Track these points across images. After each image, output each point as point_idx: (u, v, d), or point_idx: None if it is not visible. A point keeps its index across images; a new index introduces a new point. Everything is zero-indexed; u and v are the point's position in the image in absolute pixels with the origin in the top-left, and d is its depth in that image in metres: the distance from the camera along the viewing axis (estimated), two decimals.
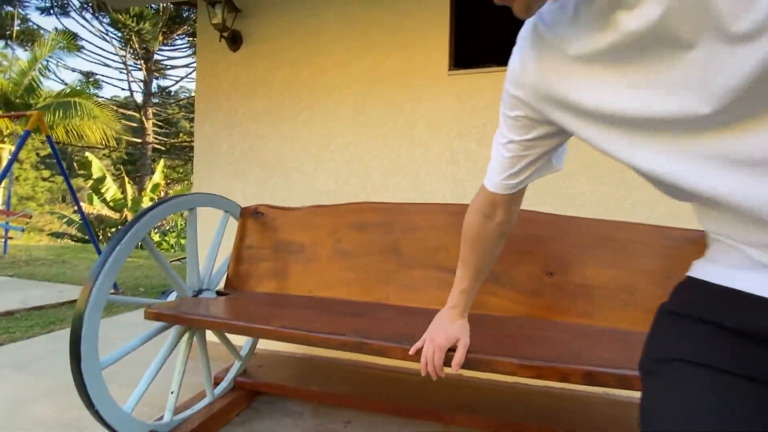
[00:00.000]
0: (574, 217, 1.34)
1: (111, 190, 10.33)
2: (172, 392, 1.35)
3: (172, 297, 1.44)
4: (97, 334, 1.08)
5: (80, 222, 9.24)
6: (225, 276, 1.63)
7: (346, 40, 2.02)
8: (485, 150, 1.82)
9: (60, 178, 14.62)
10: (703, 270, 0.49)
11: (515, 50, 0.57)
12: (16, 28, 10.76)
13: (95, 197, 10.43)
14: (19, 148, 3.22)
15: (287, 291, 1.55)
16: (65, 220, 10.95)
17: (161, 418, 1.33)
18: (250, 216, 1.68)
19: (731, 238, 0.45)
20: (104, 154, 16.35)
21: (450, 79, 1.91)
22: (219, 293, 1.56)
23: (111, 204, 10.42)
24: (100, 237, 10.06)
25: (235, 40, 2.17)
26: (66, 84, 11.90)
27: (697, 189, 0.41)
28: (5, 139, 8.26)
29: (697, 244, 1.18)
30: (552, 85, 0.51)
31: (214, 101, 2.24)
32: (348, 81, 2.01)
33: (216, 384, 1.61)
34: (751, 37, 0.32)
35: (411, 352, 0.90)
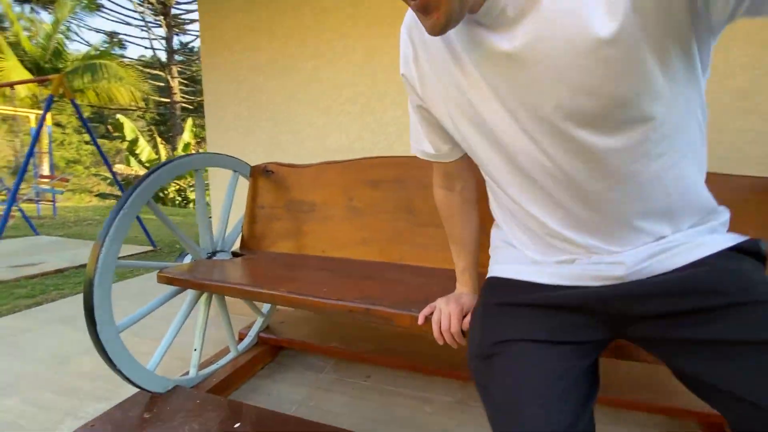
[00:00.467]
0: None
1: (145, 150, 10.66)
2: (195, 349, 1.39)
3: (188, 259, 1.44)
4: (110, 298, 1.09)
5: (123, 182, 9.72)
6: (240, 236, 1.62)
7: None
8: None
9: (101, 141, 15.24)
10: (498, 270, 0.73)
11: (402, 36, 0.65)
12: None
13: (131, 158, 10.85)
14: (46, 112, 3.29)
15: (301, 251, 1.52)
16: (108, 181, 11.53)
17: (187, 373, 1.39)
18: (261, 175, 1.62)
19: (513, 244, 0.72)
20: (138, 116, 16.73)
21: None
22: (234, 254, 1.55)
23: (147, 164, 10.82)
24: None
25: None
26: (90, 45, 11.96)
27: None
28: (40, 105, 8.56)
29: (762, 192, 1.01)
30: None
31: (218, 55, 2.12)
32: (356, 20, 1.81)
33: (240, 340, 1.66)
34: None
35: (420, 321, 0.84)
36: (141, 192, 1.16)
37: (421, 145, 0.76)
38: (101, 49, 10.65)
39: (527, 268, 0.67)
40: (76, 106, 3.53)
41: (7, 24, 8.68)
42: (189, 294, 1.36)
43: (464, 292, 0.87)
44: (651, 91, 0.46)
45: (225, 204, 1.54)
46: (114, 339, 1.11)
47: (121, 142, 10.74)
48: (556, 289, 0.63)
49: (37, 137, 3.37)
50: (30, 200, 4.36)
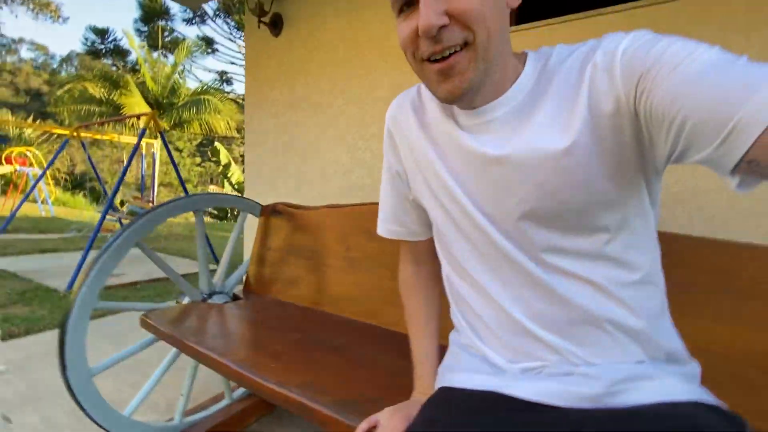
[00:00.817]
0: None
1: (236, 174, 11.86)
2: (182, 395, 1.34)
3: (188, 299, 1.42)
4: (84, 342, 1.08)
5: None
6: (244, 277, 1.57)
7: (382, 6, 1.72)
8: None
9: (209, 163, 17.34)
10: (452, 379, 0.62)
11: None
12: (165, 39, 12.96)
13: (225, 181, 12.13)
14: (138, 142, 3.79)
15: (295, 300, 1.41)
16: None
17: (172, 419, 1.34)
18: (270, 215, 1.57)
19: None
20: (238, 143, 18.82)
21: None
22: (236, 297, 1.49)
23: (236, 186, 11.99)
24: (228, 216, 11.69)
25: (276, 24, 2.06)
26: (201, 82, 13.89)
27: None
28: (157, 135, 10.08)
29: None
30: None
31: (259, 92, 2.19)
32: (384, 55, 1.72)
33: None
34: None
35: None
36: (128, 235, 1.16)
37: (388, 224, 0.74)
38: (210, 85, 12.33)
39: (488, 379, 0.58)
40: (163, 137, 4.02)
41: (137, 67, 10.63)
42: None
43: (420, 401, 0.66)
44: (604, 203, 0.50)
45: (229, 244, 1.50)
46: (85, 383, 1.09)
47: (217, 166, 12.10)
48: (520, 408, 0.54)
49: (129, 163, 3.87)
50: (125, 217, 5.00)
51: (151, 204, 5.93)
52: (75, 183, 13.16)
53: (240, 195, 1.54)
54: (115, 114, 8.93)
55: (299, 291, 1.41)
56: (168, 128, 10.05)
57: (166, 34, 12.84)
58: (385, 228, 0.75)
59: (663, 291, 0.58)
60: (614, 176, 0.48)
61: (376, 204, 1.29)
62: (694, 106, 0.37)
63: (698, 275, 0.79)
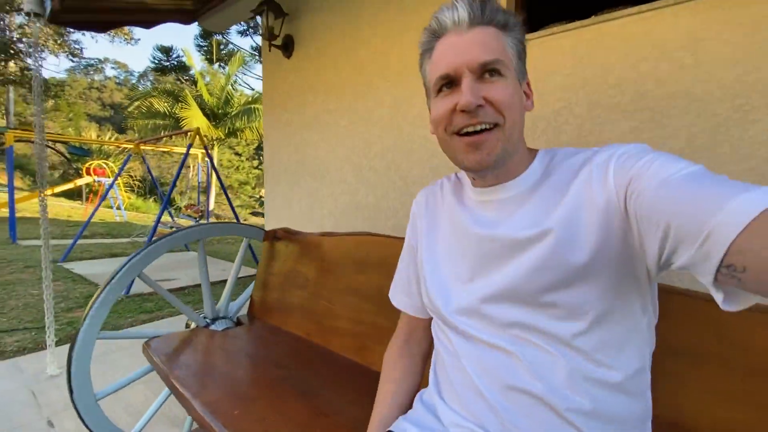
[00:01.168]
0: None
1: None
2: (188, 416, 1.41)
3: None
4: (88, 369, 1.17)
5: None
6: (248, 302, 1.61)
7: (382, 23, 1.67)
8: None
9: (263, 167, 18.27)
10: None
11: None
12: (222, 52, 13.87)
13: None
14: (186, 155, 4.09)
15: (293, 329, 1.42)
16: (261, 200, 13.76)
17: None
18: (273, 240, 1.60)
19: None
20: None
21: None
22: (239, 322, 1.54)
23: None
24: None
25: (287, 47, 2.09)
26: (253, 90, 14.64)
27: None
28: (213, 144, 10.85)
29: None
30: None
31: (274, 113, 2.24)
32: (384, 73, 1.67)
33: None
34: None
35: None
36: (129, 269, 1.23)
37: (398, 293, 0.78)
38: (259, 94, 12.99)
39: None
40: (207, 150, 4.30)
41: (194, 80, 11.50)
42: None
43: None
44: (575, 293, 0.52)
45: (234, 270, 1.55)
46: (91, 406, 1.18)
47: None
48: None
49: (179, 174, 4.19)
50: (174, 225, 5.43)
51: (200, 212, 6.37)
52: (147, 189, 14.56)
53: (241, 222, 1.57)
54: (176, 127, 9.74)
55: (295, 320, 1.42)
56: (223, 136, 10.73)
57: (222, 47, 13.69)
58: (395, 296, 0.78)
59: (646, 406, 0.56)
60: (590, 271, 0.50)
61: (362, 235, 1.27)
62: (677, 211, 0.41)
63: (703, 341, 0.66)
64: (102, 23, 2.29)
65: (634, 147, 0.50)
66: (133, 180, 14.26)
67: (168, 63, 14.53)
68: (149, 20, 2.46)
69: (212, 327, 1.46)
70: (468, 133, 0.54)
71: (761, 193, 0.36)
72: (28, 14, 1.95)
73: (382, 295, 1.14)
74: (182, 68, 14.37)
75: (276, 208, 2.25)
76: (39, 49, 2.15)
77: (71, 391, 1.15)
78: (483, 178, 0.60)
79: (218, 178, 4.25)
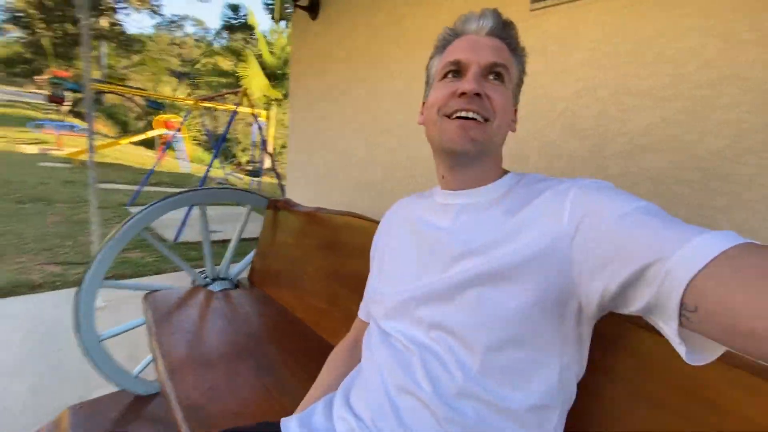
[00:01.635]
0: None
1: None
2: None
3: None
4: (93, 312, 1.29)
5: None
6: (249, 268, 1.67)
7: None
8: (574, 142, 1.08)
9: None
10: None
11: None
12: (287, 11, 13.81)
13: None
14: (233, 116, 4.26)
15: (280, 299, 1.44)
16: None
17: None
18: (274, 209, 1.61)
19: None
20: None
21: (532, 18, 1.17)
22: (238, 285, 1.61)
23: None
24: None
25: (313, 7, 2.01)
26: None
27: None
28: (271, 105, 11.14)
29: None
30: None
31: (299, 79, 2.21)
32: (399, 39, 1.54)
33: None
34: None
35: None
36: (132, 224, 1.31)
37: (364, 306, 0.78)
38: None
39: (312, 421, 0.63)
40: (255, 117, 4.44)
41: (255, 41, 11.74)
42: None
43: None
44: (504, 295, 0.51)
45: (236, 235, 1.60)
46: (95, 346, 1.31)
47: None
48: None
49: (224, 135, 4.39)
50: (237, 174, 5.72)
51: (247, 171, 6.66)
52: (212, 143, 15.57)
53: (244, 189, 1.60)
54: (237, 86, 10.12)
55: (283, 292, 1.44)
56: (282, 97, 10.95)
57: (286, 5, 13.69)
58: (362, 309, 0.79)
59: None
60: (517, 288, 0.49)
61: (351, 216, 1.23)
62: (635, 249, 0.40)
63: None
64: None
65: (596, 182, 0.51)
66: (200, 134, 15.28)
67: (236, 21, 14.93)
68: None
69: (211, 287, 1.54)
70: (460, 117, 0.56)
71: (721, 236, 0.36)
72: None
73: (358, 281, 1.11)
74: (247, 27, 14.70)
75: (295, 177, 2.27)
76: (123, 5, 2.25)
77: (80, 332, 1.28)
78: (456, 169, 0.61)
79: (262, 138, 4.38)
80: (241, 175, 6.68)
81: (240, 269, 1.65)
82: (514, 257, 0.49)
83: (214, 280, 1.57)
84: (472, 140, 0.56)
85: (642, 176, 0.97)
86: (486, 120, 0.56)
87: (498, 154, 0.62)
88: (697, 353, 0.39)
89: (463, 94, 0.55)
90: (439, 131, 0.59)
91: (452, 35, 0.62)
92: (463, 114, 0.56)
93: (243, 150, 13.08)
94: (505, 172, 0.63)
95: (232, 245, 1.61)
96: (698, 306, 0.34)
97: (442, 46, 0.63)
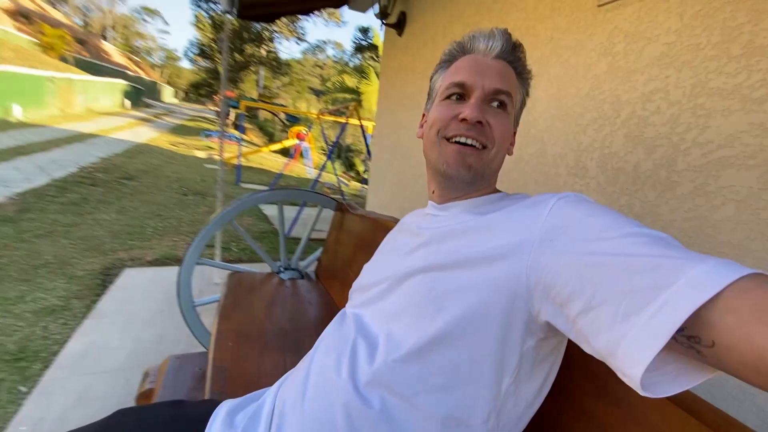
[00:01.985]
0: None
1: None
2: None
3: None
4: (191, 284, 1.60)
5: None
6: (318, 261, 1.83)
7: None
8: (639, 153, 0.93)
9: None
10: None
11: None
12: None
13: None
14: (343, 126, 4.70)
15: (335, 295, 1.55)
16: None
17: None
18: (341, 211, 1.74)
19: None
20: None
21: (600, 14, 1.05)
22: (305, 275, 1.78)
23: None
24: None
25: (400, 24, 2.11)
26: None
27: None
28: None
29: None
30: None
31: (385, 91, 2.33)
32: None
33: None
34: None
35: None
36: (224, 215, 1.59)
37: None
38: None
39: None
40: (362, 126, 4.79)
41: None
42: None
43: None
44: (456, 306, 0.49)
45: (307, 231, 1.78)
46: (190, 310, 1.62)
47: None
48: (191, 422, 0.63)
49: (335, 143, 4.83)
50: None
51: (351, 178, 7.13)
52: (337, 153, 17.22)
53: (317, 192, 1.77)
54: (359, 101, 11.03)
55: (336, 288, 1.55)
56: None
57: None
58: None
59: None
60: (462, 285, 0.48)
61: (396, 221, 1.26)
62: (620, 275, 0.35)
63: None
64: (270, 15, 2.81)
65: (580, 198, 0.47)
66: (326, 144, 17.01)
67: (365, 42, 16.31)
68: (306, 9, 2.86)
69: (281, 275, 1.74)
70: (458, 142, 0.57)
71: (724, 265, 0.32)
72: (224, 12, 2.56)
73: None
74: (375, 47, 15.92)
75: (375, 183, 2.40)
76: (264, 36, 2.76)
77: (180, 299, 1.60)
78: (447, 188, 0.62)
79: (367, 148, 4.70)
80: (347, 181, 7.25)
81: (309, 262, 1.83)
82: (470, 250, 0.49)
83: (285, 269, 1.77)
84: (469, 167, 0.57)
85: (722, 197, 0.78)
86: (484, 147, 0.57)
87: (493, 178, 0.63)
88: (657, 385, 0.34)
89: (464, 120, 0.56)
90: (437, 153, 0.60)
91: (459, 51, 0.62)
92: (462, 140, 0.57)
93: (363, 160, 14.12)
94: (497, 191, 0.63)
95: (303, 241, 1.79)
96: (716, 342, 0.31)
97: (448, 60, 0.63)
